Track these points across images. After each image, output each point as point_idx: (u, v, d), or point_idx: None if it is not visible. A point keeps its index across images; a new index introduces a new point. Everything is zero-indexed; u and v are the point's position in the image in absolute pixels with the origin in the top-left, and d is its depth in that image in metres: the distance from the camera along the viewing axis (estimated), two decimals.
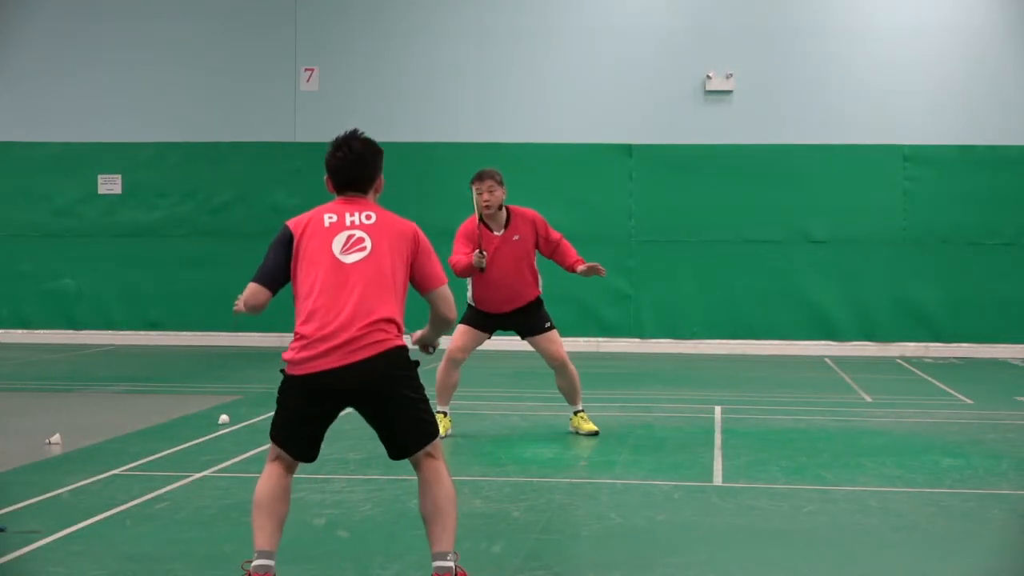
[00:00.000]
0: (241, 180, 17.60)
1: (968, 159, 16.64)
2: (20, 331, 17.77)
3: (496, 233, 8.99)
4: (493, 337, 9.43)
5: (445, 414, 9.13)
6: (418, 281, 5.10)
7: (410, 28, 17.47)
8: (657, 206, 16.99)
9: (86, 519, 6.29)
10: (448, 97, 17.32)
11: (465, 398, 10.75)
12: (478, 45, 17.37)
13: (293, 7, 17.67)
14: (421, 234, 5.13)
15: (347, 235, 4.98)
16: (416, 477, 5.02)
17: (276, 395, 5.00)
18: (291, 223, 5.07)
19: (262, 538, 4.89)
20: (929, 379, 13.71)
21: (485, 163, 16.80)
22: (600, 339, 16.94)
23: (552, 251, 9.20)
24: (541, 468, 7.97)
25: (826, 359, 15.98)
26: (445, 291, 5.15)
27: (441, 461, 5.01)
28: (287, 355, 4.91)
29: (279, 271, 5.04)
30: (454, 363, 9.10)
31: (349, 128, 5.20)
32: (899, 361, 15.85)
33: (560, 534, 6.25)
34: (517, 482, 7.52)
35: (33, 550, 5.67)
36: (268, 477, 5.00)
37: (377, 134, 5.59)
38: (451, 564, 4.93)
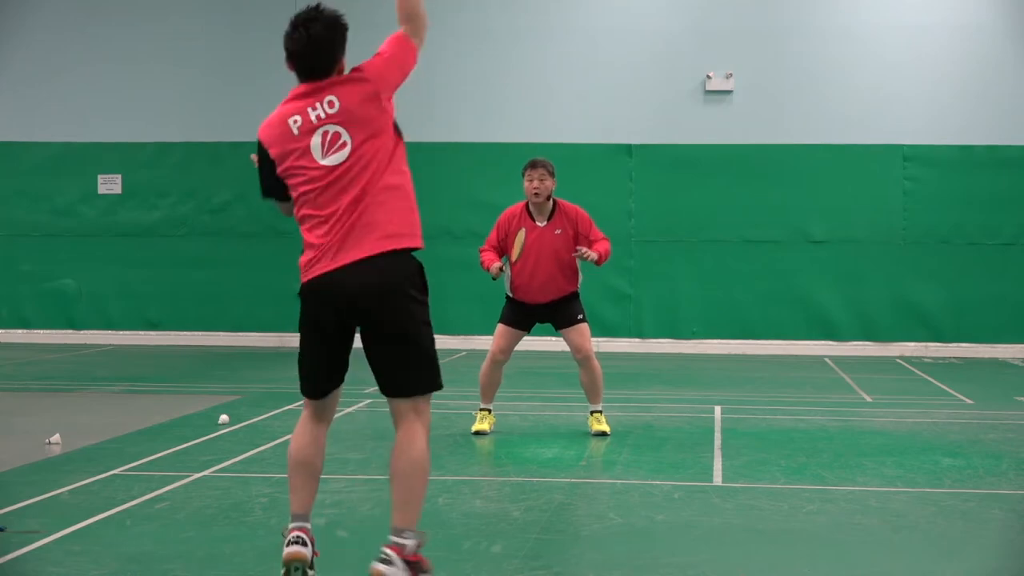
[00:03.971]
0: (241, 180, 17.54)
1: (968, 159, 16.63)
2: (20, 331, 17.77)
3: (538, 223, 9.05)
4: None
5: (489, 411, 9.31)
6: (393, 57, 4.92)
7: None
8: (657, 206, 16.99)
9: (86, 519, 6.29)
10: (448, 97, 17.32)
11: (465, 397, 10.75)
12: (478, 45, 17.36)
13: (293, 7, 17.56)
14: (375, 63, 4.87)
15: (321, 133, 4.79)
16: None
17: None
18: (261, 136, 4.92)
19: (294, 501, 4.94)
20: (929, 379, 13.71)
21: (485, 163, 17.10)
22: (600, 339, 16.85)
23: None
24: (541, 468, 7.97)
25: (826, 359, 15.97)
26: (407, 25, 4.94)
27: (421, 423, 4.78)
28: (301, 263, 4.86)
29: (274, 180, 4.94)
30: (496, 364, 9.21)
31: None
32: (899, 361, 15.85)
33: (560, 534, 6.24)
34: (517, 482, 7.52)
35: (33, 550, 5.67)
36: (298, 429, 5.00)
37: None
38: (407, 543, 4.64)
